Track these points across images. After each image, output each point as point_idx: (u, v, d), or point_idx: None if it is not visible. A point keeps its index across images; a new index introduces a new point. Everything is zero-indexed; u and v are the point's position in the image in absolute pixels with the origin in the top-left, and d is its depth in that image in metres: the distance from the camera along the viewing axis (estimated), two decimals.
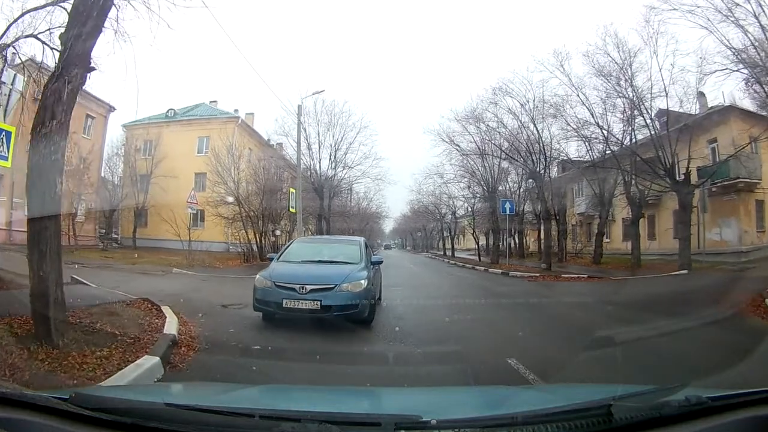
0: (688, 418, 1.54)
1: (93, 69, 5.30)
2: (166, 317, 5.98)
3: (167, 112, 35.04)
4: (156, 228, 26.94)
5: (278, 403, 2.26)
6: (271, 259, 7.89)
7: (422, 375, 4.39)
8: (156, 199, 28.55)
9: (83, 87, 5.43)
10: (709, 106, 18.88)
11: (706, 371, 4.03)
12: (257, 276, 6.93)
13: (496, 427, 1.54)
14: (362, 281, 6.67)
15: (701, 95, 17.97)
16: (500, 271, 19.65)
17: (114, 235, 33.79)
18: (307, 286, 6.31)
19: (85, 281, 10.73)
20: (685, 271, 15.66)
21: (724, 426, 1.53)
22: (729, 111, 18.74)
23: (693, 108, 17.47)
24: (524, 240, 32.53)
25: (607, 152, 19.13)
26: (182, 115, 34.82)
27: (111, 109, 31.77)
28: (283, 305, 6.27)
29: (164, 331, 5.17)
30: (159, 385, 3.82)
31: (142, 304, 7.28)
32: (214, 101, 37.36)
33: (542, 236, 31.61)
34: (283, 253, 8.01)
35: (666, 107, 16.78)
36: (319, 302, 6.24)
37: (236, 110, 35.02)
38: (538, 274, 17.13)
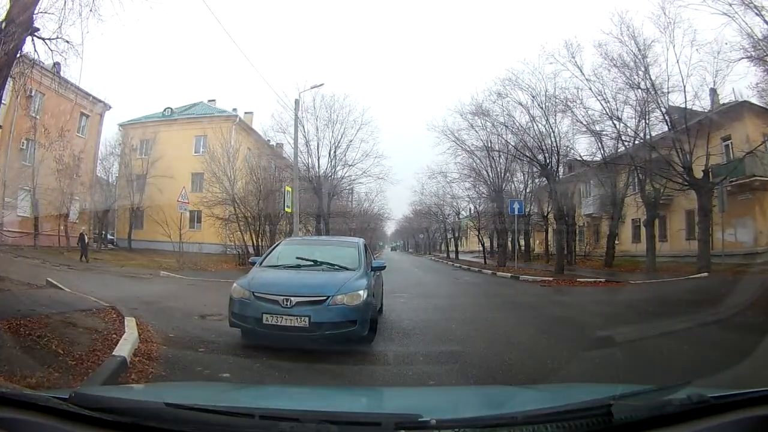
0: (690, 418, 1.50)
1: (36, 30, 4.52)
2: (125, 332, 5.07)
3: (164, 110, 34.40)
4: (152, 229, 26.38)
5: (278, 403, 2.21)
6: (253, 264, 6.68)
7: None
8: (152, 200, 27.91)
9: (23, 50, 4.61)
10: (721, 102, 17.98)
11: None
12: (234, 284, 5.67)
13: (496, 427, 1.51)
14: (361, 292, 5.47)
15: (713, 92, 17.24)
16: (509, 275, 18.59)
17: (110, 237, 33.21)
18: (292, 299, 5.11)
19: (60, 285, 9.94)
20: (705, 274, 14.72)
21: (726, 426, 1.49)
22: (743, 107, 17.89)
23: (706, 105, 16.87)
24: (530, 242, 31.58)
25: (620, 149, 18.25)
26: (179, 114, 34.13)
27: (106, 107, 31.15)
28: (263, 321, 5.08)
29: (114, 352, 4.26)
30: (159, 385, 3.68)
31: (108, 313, 6.41)
32: (213, 100, 36.68)
33: (551, 238, 31.16)
34: (266, 256, 6.76)
35: (684, 101, 15.94)
36: (307, 318, 5.03)
37: (235, 109, 34.33)
38: (551, 278, 16.05)
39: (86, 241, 21.08)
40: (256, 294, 5.29)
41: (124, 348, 4.40)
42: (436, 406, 2.23)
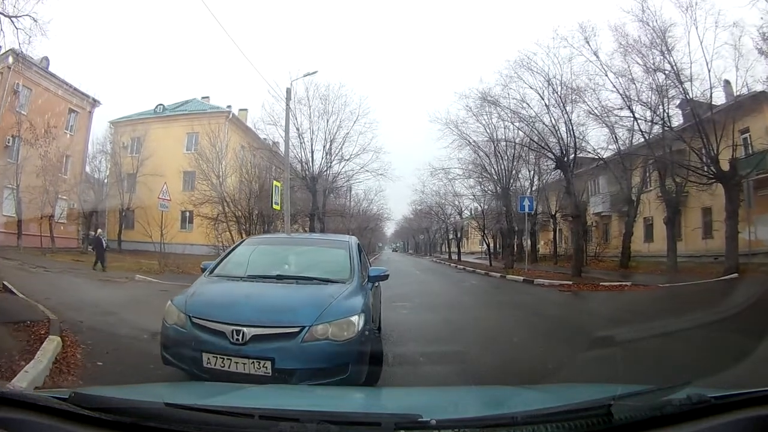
0: (690, 418, 1.49)
1: None
2: (34, 358, 3.81)
3: (156, 107, 33.47)
4: (142, 230, 25.29)
5: (277, 403, 2.16)
6: (204, 270, 4.68)
7: None
8: (142, 200, 26.76)
9: None
10: (736, 93, 16.81)
11: None
12: (168, 303, 3.83)
13: (496, 427, 1.51)
14: (354, 318, 3.60)
15: (727, 83, 16.18)
16: (521, 278, 17.14)
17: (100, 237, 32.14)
18: (245, 330, 3.33)
19: (14, 290, 8.78)
20: (734, 275, 13.49)
21: (726, 425, 1.47)
22: (762, 97, 16.65)
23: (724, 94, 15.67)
24: (536, 242, 30.32)
25: (638, 142, 17.04)
26: (171, 111, 33.13)
27: (95, 103, 30.18)
28: (204, 364, 3.33)
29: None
30: (158, 384, 3.34)
31: (40, 328, 5.18)
32: (206, 97, 35.72)
33: (558, 238, 30.08)
34: (220, 261, 4.78)
35: (709, 86, 14.72)
36: (269, 363, 3.27)
37: (229, 106, 33.22)
38: (569, 282, 14.55)
39: (104, 244, 17.36)
40: (193, 319, 3.51)
41: (16, 387, 3.13)
42: (436, 406, 2.17)
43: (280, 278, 4.24)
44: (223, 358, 3.29)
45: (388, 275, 5.10)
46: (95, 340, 4.98)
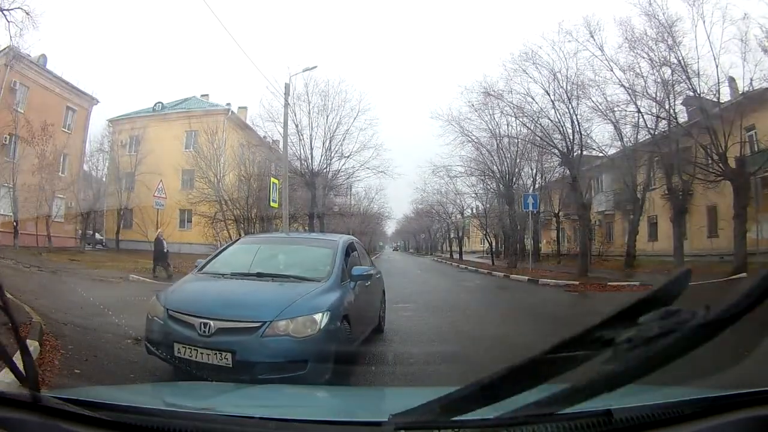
0: (690, 418, 1.47)
1: None
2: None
3: (155, 105, 33.28)
4: (140, 229, 25.16)
5: (279, 403, 2.22)
6: (197, 267, 5.02)
7: None
8: (140, 198, 26.52)
9: None
10: (743, 90, 16.50)
11: None
12: (153, 297, 4.25)
13: (496, 427, 1.46)
14: (317, 316, 3.78)
15: (732, 80, 15.89)
16: (526, 278, 16.80)
17: (99, 237, 31.99)
18: (211, 323, 3.60)
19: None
20: (743, 275, 13.25)
21: (726, 426, 1.44)
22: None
23: (725, 93, 15.45)
24: (538, 241, 30.05)
25: (643, 138, 16.73)
26: (170, 109, 32.92)
27: (94, 101, 29.95)
28: (175, 353, 3.62)
29: None
30: (160, 385, 3.51)
31: (22, 331, 4.89)
32: (206, 95, 35.46)
33: (561, 236, 29.83)
34: (212, 259, 5.11)
35: (717, 80, 14.48)
36: (230, 355, 3.52)
37: (228, 104, 32.97)
38: (576, 282, 14.20)
39: (165, 247, 15.22)
40: (169, 312, 3.86)
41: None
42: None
43: (260, 276, 4.52)
44: (191, 348, 3.59)
45: (371, 274, 5.33)
46: (77, 345, 4.72)
